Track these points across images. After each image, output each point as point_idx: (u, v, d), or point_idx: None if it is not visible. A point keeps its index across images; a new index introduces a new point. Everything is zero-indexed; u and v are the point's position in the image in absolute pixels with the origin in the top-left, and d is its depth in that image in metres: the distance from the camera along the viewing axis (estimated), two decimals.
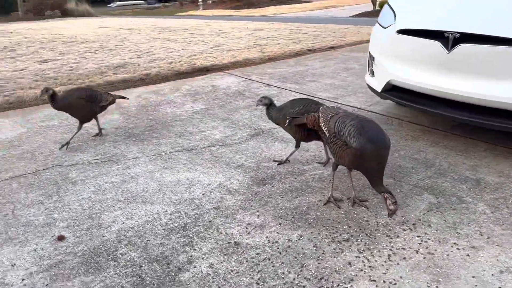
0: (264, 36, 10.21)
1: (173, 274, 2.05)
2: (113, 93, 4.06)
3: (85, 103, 3.52)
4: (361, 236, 2.31)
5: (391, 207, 2.25)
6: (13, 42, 10.94)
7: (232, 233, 2.36)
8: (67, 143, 3.57)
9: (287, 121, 2.97)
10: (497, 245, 2.19)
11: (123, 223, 2.49)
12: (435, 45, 3.06)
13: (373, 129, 2.40)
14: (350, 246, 2.23)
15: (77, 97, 3.50)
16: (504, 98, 2.84)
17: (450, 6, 3.27)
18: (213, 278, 2.02)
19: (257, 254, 2.19)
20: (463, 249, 2.19)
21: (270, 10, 24.73)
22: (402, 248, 2.21)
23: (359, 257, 2.15)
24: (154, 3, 47.62)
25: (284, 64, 6.71)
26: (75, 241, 2.33)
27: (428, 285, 1.94)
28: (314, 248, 2.22)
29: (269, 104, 3.08)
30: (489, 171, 2.96)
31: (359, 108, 4.41)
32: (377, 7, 17.03)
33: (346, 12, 19.27)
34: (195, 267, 2.10)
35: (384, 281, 1.97)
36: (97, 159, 3.36)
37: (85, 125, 3.77)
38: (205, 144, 3.58)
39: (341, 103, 4.59)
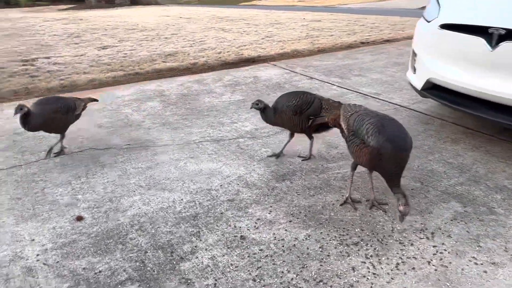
0: (319, 27, 10.01)
1: (174, 262, 2.09)
2: (87, 96, 3.66)
3: (61, 116, 3.13)
4: (372, 241, 2.21)
5: (401, 208, 2.13)
6: (80, 29, 11.57)
7: (240, 227, 2.35)
8: (50, 151, 3.30)
9: (310, 121, 2.90)
10: None
11: (139, 208, 2.57)
12: (478, 42, 2.83)
13: (393, 128, 2.28)
14: (358, 250, 2.15)
15: (52, 111, 3.08)
16: None
17: (496, 0, 3.00)
18: (211, 271, 2.03)
19: (261, 250, 2.16)
20: (481, 264, 2.03)
21: (336, 0, 24.16)
22: (413, 257, 2.09)
23: (365, 262, 2.06)
24: None
25: (332, 57, 6.54)
26: (91, 222, 2.44)
27: None
28: (320, 249, 2.15)
29: (263, 108, 2.98)
30: None
31: (401, 106, 4.20)
32: None
33: (416, 2, 18.41)
34: (197, 257, 2.12)
35: None
36: (129, 145, 3.49)
37: (109, 119, 3.91)
38: (234, 135, 3.59)
39: (382, 99, 4.40)
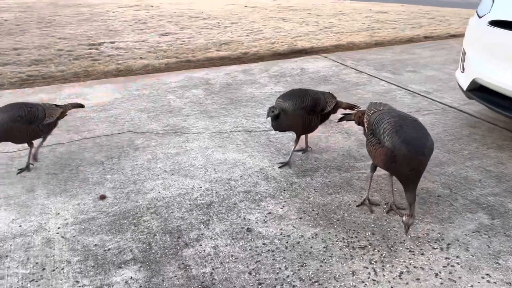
0: (383, 19, 9.62)
1: (178, 248, 2.15)
2: (72, 102, 3.37)
3: (20, 125, 2.78)
4: (381, 246, 2.12)
5: (404, 218, 2.03)
6: (149, 15, 12.05)
7: (249, 219, 2.36)
8: (27, 167, 2.99)
9: (339, 118, 2.84)
10: None
11: (159, 192, 2.66)
12: None
13: (412, 130, 2.16)
14: (363, 254, 2.07)
15: (10, 119, 2.74)
16: None
17: None
18: (211, 259, 2.06)
19: (264, 244, 2.16)
20: (494, 283, 1.88)
21: None
22: (421, 267, 1.98)
23: (367, 268, 1.99)
24: None
25: (388, 51, 6.27)
26: (112, 202, 2.58)
27: None
28: (324, 250, 2.11)
29: (278, 114, 2.78)
30: None
31: (450, 106, 3.95)
32: None
33: None
34: (201, 245, 2.17)
35: None
36: (165, 130, 3.61)
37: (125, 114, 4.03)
38: (266, 127, 3.58)
39: (431, 98, 4.16)
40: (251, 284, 1.90)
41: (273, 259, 2.06)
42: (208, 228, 2.30)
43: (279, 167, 2.92)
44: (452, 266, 1.98)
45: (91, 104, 4.30)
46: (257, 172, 2.87)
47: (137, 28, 9.52)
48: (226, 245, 2.16)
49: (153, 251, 2.14)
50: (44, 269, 2.02)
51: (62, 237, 2.25)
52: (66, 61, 6.26)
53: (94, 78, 5.37)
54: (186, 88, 4.72)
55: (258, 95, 4.41)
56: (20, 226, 2.36)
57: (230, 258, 2.07)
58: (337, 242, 2.17)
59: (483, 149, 3.11)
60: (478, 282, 1.89)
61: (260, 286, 1.89)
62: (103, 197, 2.62)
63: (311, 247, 2.13)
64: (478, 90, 3.10)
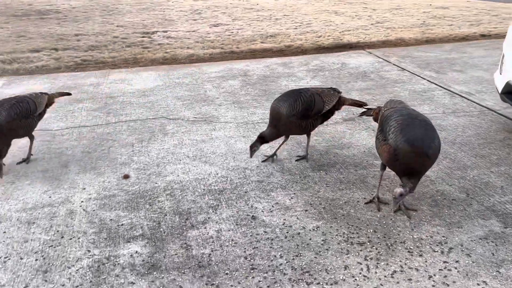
0: (442, 15, 9.21)
1: (184, 229, 2.28)
2: (58, 91, 3.43)
3: (18, 123, 2.80)
4: (379, 244, 2.13)
5: (397, 189, 2.13)
6: (205, 6, 12.34)
7: (256, 208, 2.45)
8: (28, 158, 3.06)
9: (360, 113, 2.83)
10: None
11: (178, 176, 2.81)
12: None
13: (418, 130, 2.14)
14: (360, 250, 2.09)
15: (7, 120, 2.73)
16: None
17: None
18: (212, 242, 2.17)
19: (265, 232, 2.24)
20: None
21: None
22: (415, 268, 1.97)
23: (361, 264, 2.01)
24: None
25: (438, 49, 6.03)
26: (134, 181, 2.76)
27: None
28: (322, 243, 2.15)
29: (262, 141, 2.81)
30: None
31: (489, 109, 3.77)
32: None
33: None
34: (205, 228, 2.28)
35: None
36: (195, 118, 3.76)
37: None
38: None
39: (471, 100, 3.99)
40: (244, 268, 1.99)
41: (271, 247, 2.13)
42: (216, 213, 2.41)
43: (296, 160, 2.97)
44: (449, 270, 1.95)
45: (133, 89, 4.56)
46: (274, 163, 2.94)
47: (191, 18, 9.81)
48: (229, 230, 2.26)
49: (161, 229, 2.28)
50: (62, 237, 2.23)
51: (84, 210, 2.46)
52: (119, 48, 6.62)
53: (141, 65, 5.66)
54: (224, 79, 4.85)
55: (292, 88, 4.44)
56: (50, 197, 2.60)
57: (230, 242, 2.17)
58: (336, 236, 2.20)
59: None
60: None
61: (252, 271, 1.97)
62: (126, 177, 2.81)
63: (310, 239, 2.18)
64: (510, 94, 2.96)
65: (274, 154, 2.99)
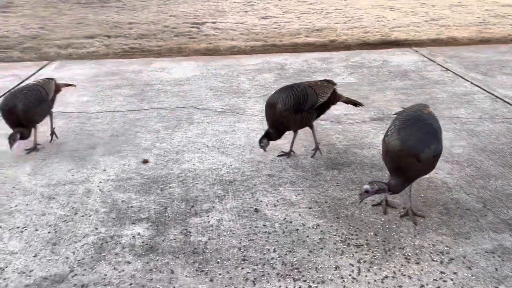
0: (506, 13, 8.62)
1: (188, 215, 2.36)
2: (63, 82, 3.50)
3: (35, 109, 2.97)
4: (377, 248, 2.09)
5: (365, 185, 2.11)
6: None
7: (261, 201, 2.47)
8: (35, 147, 3.13)
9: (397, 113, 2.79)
10: None
11: (193, 164, 2.90)
12: None
13: (415, 132, 2.16)
14: (355, 252, 2.07)
15: (24, 109, 2.90)
16: None
17: None
18: (211, 230, 2.23)
19: (264, 225, 2.27)
20: None
21: None
22: (409, 276, 1.92)
23: (353, 265, 1.98)
24: None
25: (492, 49, 5.68)
26: (151, 166, 2.88)
27: None
28: (318, 241, 2.15)
29: (269, 137, 2.82)
30: None
31: None
32: None
33: None
34: (208, 216, 2.35)
35: None
36: (223, 109, 3.83)
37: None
38: (320, 117, 3.59)
39: None
40: (236, 258, 2.04)
41: (266, 241, 2.15)
42: (221, 203, 2.47)
43: (311, 156, 2.96)
44: (444, 281, 1.88)
45: (171, 78, 4.71)
46: (289, 159, 2.95)
47: (243, 10, 9.88)
48: (230, 220, 2.31)
49: (166, 214, 2.38)
50: (76, 213, 2.39)
51: (100, 190, 2.61)
52: (167, 37, 6.84)
53: (184, 55, 5.82)
54: (260, 72, 4.88)
55: None
56: (73, 175, 2.78)
57: (228, 233, 2.22)
58: (334, 236, 2.18)
59: None
60: None
61: (243, 262, 2.01)
62: (145, 161, 2.93)
63: (307, 236, 2.18)
64: None
65: (291, 150, 3.00)
